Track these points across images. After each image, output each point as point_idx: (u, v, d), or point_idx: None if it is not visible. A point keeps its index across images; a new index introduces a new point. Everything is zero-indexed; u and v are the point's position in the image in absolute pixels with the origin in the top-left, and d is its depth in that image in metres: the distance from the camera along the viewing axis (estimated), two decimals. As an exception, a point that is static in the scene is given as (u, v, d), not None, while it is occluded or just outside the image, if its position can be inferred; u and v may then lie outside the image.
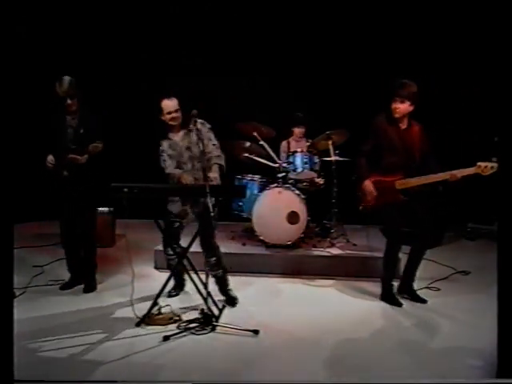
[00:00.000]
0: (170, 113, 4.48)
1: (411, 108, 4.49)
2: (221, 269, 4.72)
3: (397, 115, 4.50)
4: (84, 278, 5.10)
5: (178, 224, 4.56)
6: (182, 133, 4.58)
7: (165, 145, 4.58)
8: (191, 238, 4.50)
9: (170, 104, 4.49)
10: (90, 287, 5.05)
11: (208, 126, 4.61)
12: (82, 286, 5.07)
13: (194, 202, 4.50)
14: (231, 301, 4.68)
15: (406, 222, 4.69)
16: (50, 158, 4.82)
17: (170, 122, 4.51)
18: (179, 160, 4.57)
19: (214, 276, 4.71)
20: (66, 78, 4.76)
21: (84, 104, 4.91)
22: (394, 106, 4.47)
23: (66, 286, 5.07)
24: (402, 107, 4.46)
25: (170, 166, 4.58)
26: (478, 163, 4.21)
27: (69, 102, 4.76)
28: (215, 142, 4.60)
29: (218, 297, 4.53)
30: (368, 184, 4.63)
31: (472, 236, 7.24)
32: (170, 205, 4.58)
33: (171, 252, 4.64)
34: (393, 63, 6.77)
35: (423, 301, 4.70)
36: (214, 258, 4.65)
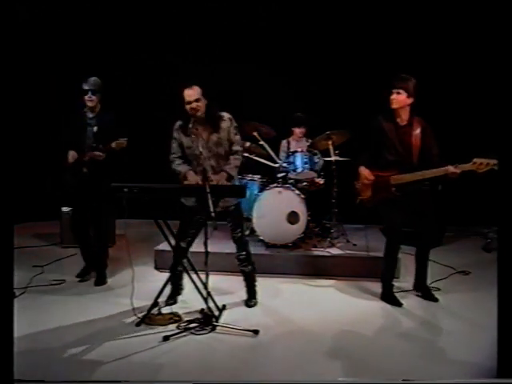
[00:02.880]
0: (189, 102, 4.27)
1: (409, 101, 4.52)
2: (250, 265, 4.72)
3: (394, 106, 4.54)
4: (96, 272, 5.30)
5: (197, 220, 4.43)
6: (204, 125, 4.37)
7: (179, 133, 4.45)
8: (190, 238, 4.53)
9: (189, 93, 4.28)
10: (101, 281, 5.22)
11: (235, 124, 4.52)
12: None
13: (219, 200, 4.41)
14: (250, 300, 4.69)
15: (406, 222, 4.71)
16: (73, 153, 5.05)
17: (191, 114, 4.30)
18: (191, 150, 4.42)
19: (242, 271, 4.74)
20: (93, 77, 5.10)
21: (104, 104, 5.16)
22: (391, 98, 4.53)
23: (82, 274, 5.33)
24: (399, 98, 4.49)
25: (175, 161, 4.47)
26: (474, 159, 4.19)
27: (91, 96, 5.03)
28: (238, 148, 4.53)
29: (219, 297, 4.53)
30: (363, 169, 4.70)
31: (490, 247, 6.45)
32: (184, 199, 4.51)
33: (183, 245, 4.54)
34: (393, 63, 6.75)
35: (435, 299, 4.73)
36: (243, 253, 4.66)
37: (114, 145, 4.88)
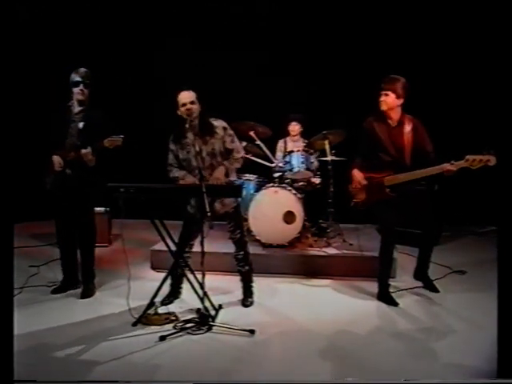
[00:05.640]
0: (184, 104, 4.24)
1: (398, 102, 4.54)
2: (247, 265, 4.72)
3: (383, 107, 4.57)
4: (82, 282, 4.96)
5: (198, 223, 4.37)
6: (197, 134, 4.31)
7: (174, 145, 4.43)
8: (187, 239, 4.53)
9: (185, 95, 4.27)
10: (88, 292, 4.88)
11: (230, 132, 4.45)
12: (75, 289, 4.96)
13: (221, 201, 4.45)
14: (246, 300, 4.69)
15: (402, 221, 4.71)
16: (58, 159, 4.62)
17: (186, 116, 4.24)
18: (187, 162, 4.40)
19: (239, 271, 4.75)
20: (83, 68, 4.70)
21: (93, 100, 4.76)
22: (380, 99, 4.55)
23: (58, 290, 4.92)
24: (387, 100, 4.52)
25: (172, 169, 4.45)
26: (467, 156, 4.19)
27: (82, 88, 4.62)
28: (238, 156, 4.48)
29: (215, 296, 4.53)
30: (356, 172, 4.71)
31: None
32: (190, 208, 4.52)
33: (186, 254, 4.58)
34: (388, 63, 6.77)
35: (436, 290, 4.79)
36: (241, 253, 4.67)
37: (107, 143, 4.42)
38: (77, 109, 4.71)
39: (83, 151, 4.51)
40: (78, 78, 4.62)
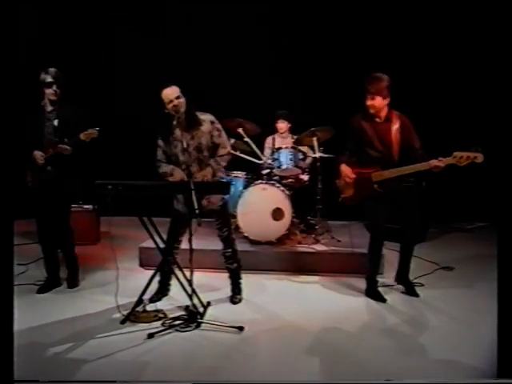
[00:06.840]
0: (171, 101, 4.21)
1: (385, 102, 4.54)
2: (235, 262, 4.73)
3: (371, 111, 4.57)
4: (69, 273, 5.06)
5: (185, 219, 4.40)
6: (185, 129, 4.31)
7: (162, 141, 4.40)
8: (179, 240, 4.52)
9: (169, 92, 4.23)
10: (73, 282, 5.03)
11: (218, 126, 4.43)
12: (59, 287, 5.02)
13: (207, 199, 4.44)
14: (235, 297, 4.71)
15: (390, 218, 4.74)
16: (39, 153, 4.66)
17: (174, 112, 4.23)
18: (175, 157, 4.38)
19: (227, 268, 4.75)
20: (53, 68, 4.71)
21: (64, 98, 4.77)
22: (367, 104, 4.55)
23: (42, 289, 4.93)
24: (375, 103, 4.52)
25: (161, 165, 4.42)
26: (454, 153, 4.20)
27: (54, 88, 4.65)
28: (224, 152, 4.46)
29: (203, 293, 4.52)
30: (344, 167, 4.71)
31: None
32: (176, 204, 4.52)
33: (174, 250, 4.58)
34: (377, 60, 6.78)
35: (416, 295, 4.78)
36: (229, 250, 4.67)
37: (82, 136, 4.50)
38: (49, 108, 4.76)
39: (60, 146, 4.58)
40: (50, 79, 4.66)
